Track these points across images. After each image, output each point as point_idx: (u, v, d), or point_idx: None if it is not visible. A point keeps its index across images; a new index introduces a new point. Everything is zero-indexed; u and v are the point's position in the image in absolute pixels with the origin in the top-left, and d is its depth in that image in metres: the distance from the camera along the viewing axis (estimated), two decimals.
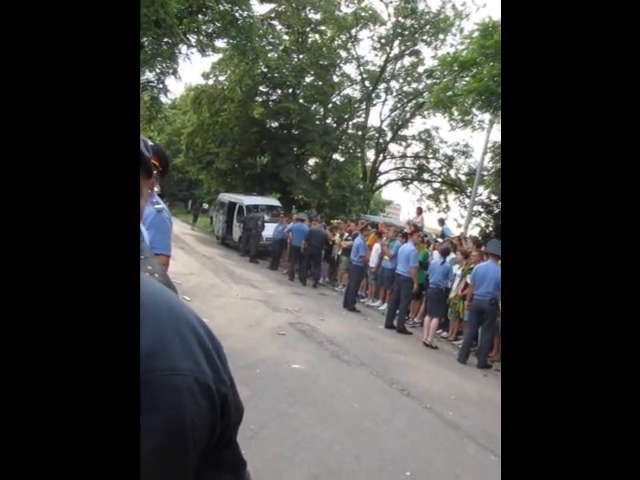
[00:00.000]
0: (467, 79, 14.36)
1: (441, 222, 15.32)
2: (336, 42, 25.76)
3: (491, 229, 17.33)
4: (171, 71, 17.92)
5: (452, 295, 9.25)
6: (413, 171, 28.23)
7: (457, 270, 9.25)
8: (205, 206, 32.21)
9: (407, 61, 26.03)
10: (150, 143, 2.70)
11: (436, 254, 9.90)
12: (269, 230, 16.50)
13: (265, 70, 24.02)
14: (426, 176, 27.72)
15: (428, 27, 24.25)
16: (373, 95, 26.50)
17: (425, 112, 25.31)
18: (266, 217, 17.79)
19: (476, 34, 13.41)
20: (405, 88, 26.56)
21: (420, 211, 15.55)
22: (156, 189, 2.84)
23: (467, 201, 22.96)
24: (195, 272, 12.17)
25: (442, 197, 27.35)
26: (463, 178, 25.82)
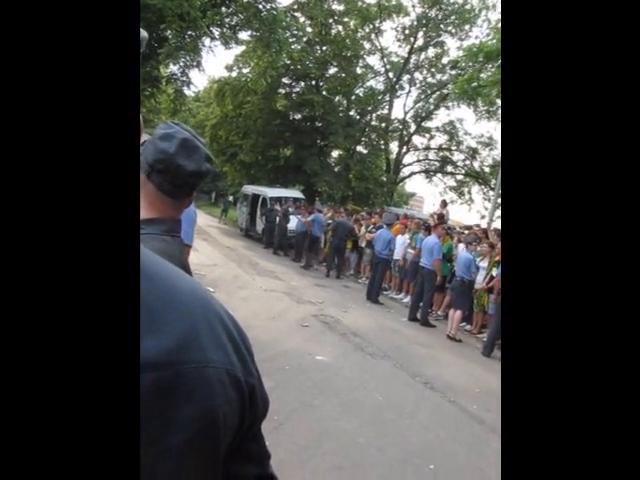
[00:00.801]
0: (492, 70, 14.17)
1: (443, 204, 15.00)
2: (359, 33, 25.61)
3: None
4: (195, 64, 17.95)
5: (478, 287, 9.17)
6: (437, 163, 28.03)
7: (482, 262, 9.17)
8: (230, 199, 32.31)
9: (431, 52, 25.82)
10: None
11: (461, 246, 9.82)
12: (293, 222, 16.56)
13: (288, 62, 23.98)
14: (449, 168, 27.50)
15: (453, 17, 23.98)
16: (397, 87, 26.32)
17: (449, 104, 25.08)
18: (290, 209, 17.82)
19: None
20: (429, 79, 26.35)
21: (445, 204, 15.34)
22: None
23: (491, 193, 22.73)
24: (219, 264, 12.25)
25: (465, 189, 27.13)
26: (487, 170, 25.56)
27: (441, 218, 11.63)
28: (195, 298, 0.66)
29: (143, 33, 0.65)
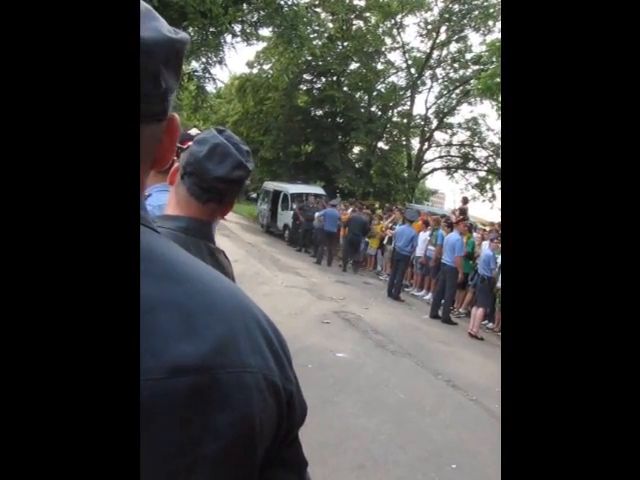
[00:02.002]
0: None
1: (464, 201, 14.82)
2: (381, 29, 25.49)
3: None
4: (217, 60, 18.05)
5: (500, 285, 9.06)
6: (458, 159, 27.82)
7: None
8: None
9: (454, 47, 25.57)
10: (195, 131, 2.72)
11: (485, 243, 9.71)
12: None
13: (309, 58, 23.98)
14: (472, 165, 27.27)
15: (476, 12, 23.71)
16: (418, 82, 26.14)
17: (472, 99, 24.86)
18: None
19: None
20: (451, 75, 26.12)
21: (466, 201, 15.16)
22: None
23: None
24: (240, 260, 12.28)
25: (488, 186, 26.88)
26: None
27: (464, 213, 11.49)
28: (233, 301, 0.64)
29: (183, 35, 0.65)
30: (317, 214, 15.52)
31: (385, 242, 13.52)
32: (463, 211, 11.90)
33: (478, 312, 8.89)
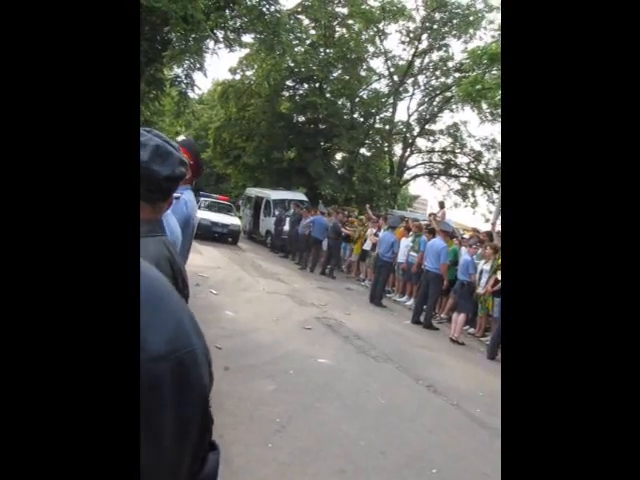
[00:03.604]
0: (496, 72, 14.14)
1: (441, 205, 14.82)
2: (363, 36, 25.64)
3: None
4: (199, 66, 17.99)
5: (481, 291, 9.13)
6: (440, 166, 28.02)
7: (485, 265, 9.13)
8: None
9: (435, 55, 25.82)
10: (182, 137, 2.75)
11: (464, 249, 9.79)
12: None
13: (292, 65, 24.04)
14: (454, 171, 27.49)
15: (457, 20, 23.96)
16: (401, 89, 26.33)
17: (453, 106, 25.09)
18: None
19: None
20: (433, 82, 26.36)
21: (442, 205, 15.25)
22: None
23: (495, 196, 22.71)
24: (222, 266, 12.24)
25: (470, 192, 27.11)
26: (491, 173, 25.54)
27: (452, 235, 11.30)
28: (170, 288, 0.71)
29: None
30: (305, 221, 15.55)
31: (369, 249, 13.56)
32: (452, 235, 11.69)
33: (459, 317, 8.95)
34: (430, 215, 13.76)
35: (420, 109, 26.95)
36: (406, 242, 11.66)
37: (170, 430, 0.61)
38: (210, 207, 19.67)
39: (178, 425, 0.62)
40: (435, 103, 26.56)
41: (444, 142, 27.32)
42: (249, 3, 17.75)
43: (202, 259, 12.30)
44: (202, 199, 19.57)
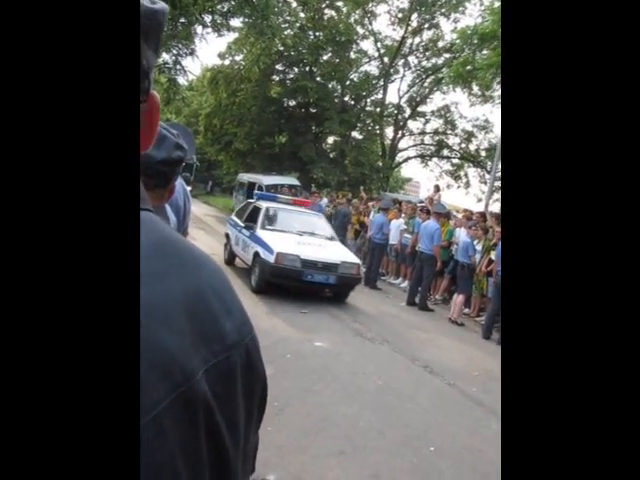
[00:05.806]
0: (487, 52, 14.07)
1: (437, 188, 15.02)
2: (352, 18, 25.45)
3: None
4: (188, 52, 17.86)
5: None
6: (432, 147, 27.99)
7: (477, 246, 9.17)
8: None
9: (426, 35, 25.66)
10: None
11: (463, 231, 9.79)
12: None
13: (281, 48, 23.87)
14: (445, 152, 27.46)
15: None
16: (391, 71, 26.19)
17: (444, 87, 24.98)
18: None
19: (497, 4, 13.10)
20: (424, 63, 26.24)
21: (438, 188, 15.29)
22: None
23: (487, 176, 22.73)
24: (217, 252, 12.22)
25: (462, 173, 27.12)
26: (483, 154, 25.55)
27: (447, 216, 11.30)
28: (222, 274, 0.68)
29: (162, 5, 0.58)
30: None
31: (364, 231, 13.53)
32: (447, 215, 11.63)
33: (459, 299, 9.00)
34: (426, 199, 13.80)
35: (411, 91, 26.85)
36: (397, 223, 11.65)
37: (243, 416, 0.61)
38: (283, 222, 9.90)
39: (246, 411, 0.62)
40: (426, 85, 26.44)
41: (436, 124, 27.29)
42: None
43: (196, 245, 12.27)
44: (266, 205, 10.39)
